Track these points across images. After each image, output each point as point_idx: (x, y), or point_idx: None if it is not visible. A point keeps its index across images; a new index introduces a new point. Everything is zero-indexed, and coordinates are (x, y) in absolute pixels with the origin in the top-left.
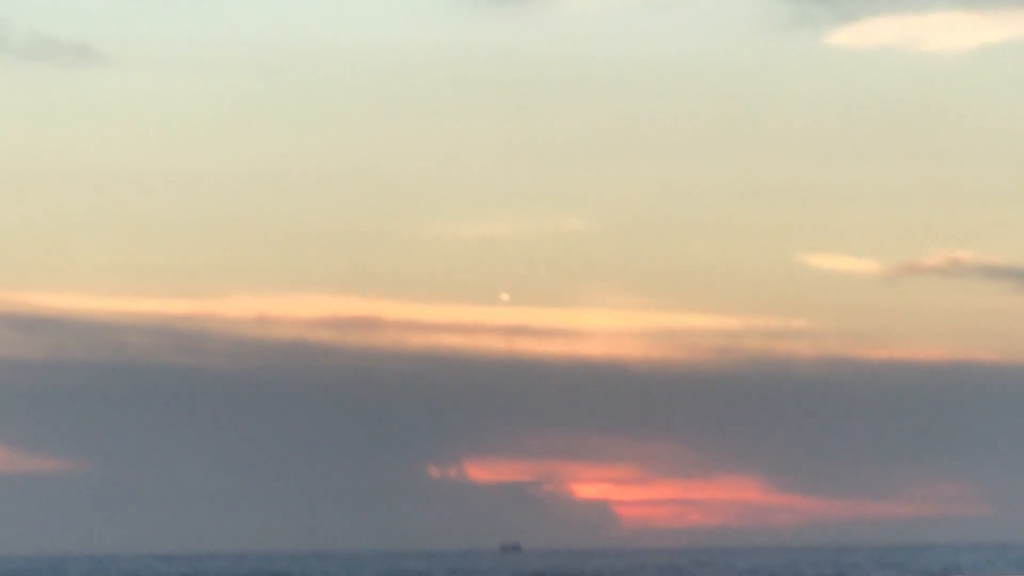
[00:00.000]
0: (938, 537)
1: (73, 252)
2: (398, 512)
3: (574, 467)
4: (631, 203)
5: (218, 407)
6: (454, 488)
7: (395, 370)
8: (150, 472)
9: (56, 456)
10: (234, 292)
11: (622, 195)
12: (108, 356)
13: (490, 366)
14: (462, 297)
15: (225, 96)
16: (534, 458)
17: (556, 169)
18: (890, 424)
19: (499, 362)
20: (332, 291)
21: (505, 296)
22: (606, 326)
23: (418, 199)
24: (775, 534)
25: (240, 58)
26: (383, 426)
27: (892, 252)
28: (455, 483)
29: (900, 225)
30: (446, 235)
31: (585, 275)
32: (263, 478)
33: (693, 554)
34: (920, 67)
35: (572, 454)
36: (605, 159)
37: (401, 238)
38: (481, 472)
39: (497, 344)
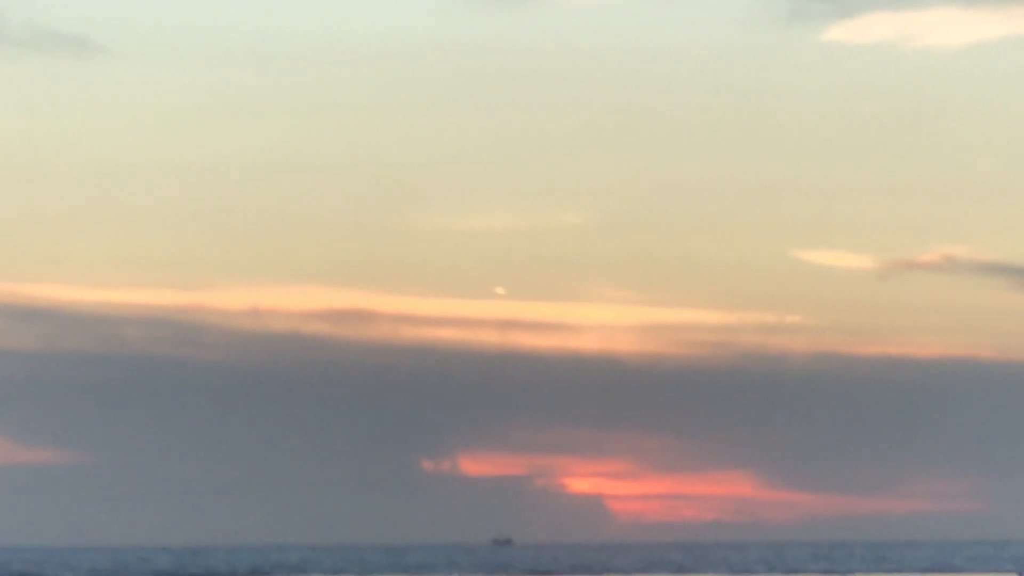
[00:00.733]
0: (932, 534)
1: (69, 244)
2: (390, 505)
3: (567, 461)
4: (627, 197)
5: (212, 399)
6: (447, 481)
7: (389, 363)
8: (144, 464)
9: (51, 447)
10: (229, 284)
11: (618, 189)
12: (103, 347)
13: (484, 360)
14: (457, 290)
15: (222, 88)
16: (527, 452)
17: (552, 163)
18: (884, 420)
19: (493, 356)
20: (327, 283)
21: (500, 290)
22: (601, 320)
23: (414, 192)
24: (768, 529)
25: (238, 50)
26: (376, 419)
27: (887, 248)
28: (448, 476)
29: (895, 221)
30: (442, 228)
31: (580, 269)
32: (256, 470)
33: (685, 549)
34: (917, 63)
35: (565, 448)
36: (602, 153)
37: (396, 230)
38: (474, 465)
39: (492, 338)
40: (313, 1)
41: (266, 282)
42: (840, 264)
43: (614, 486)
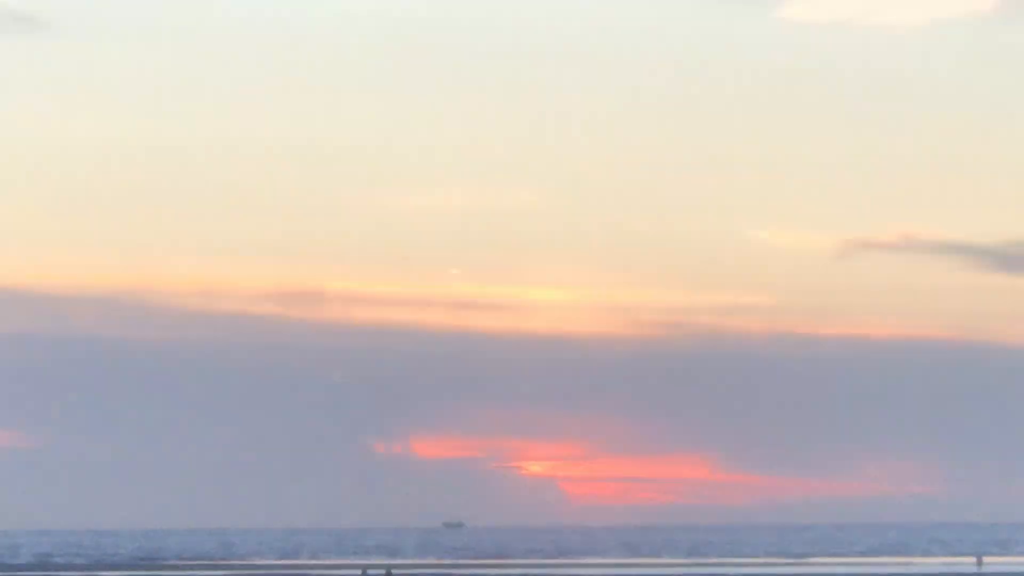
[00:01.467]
0: (888, 516)
1: (14, 223)
2: (341, 488)
3: (521, 444)
4: (582, 176)
5: (160, 380)
6: (399, 464)
7: (340, 344)
8: (91, 446)
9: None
10: (179, 264)
11: (573, 168)
12: (51, 328)
13: (438, 341)
14: (410, 271)
15: (170, 67)
16: (481, 434)
17: (505, 142)
18: (841, 401)
19: (447, 337)
20: (278, 264)
21: (456, 271)
22: (555, 301)
23: (367, 172)
24: (725, 512)
25: (184, 29)
26: (327, 400)
27: (845, 228)
28: (400, 459)
29: (853, 201)
30: (395, 208)
31: (534, 250)
32: (205, 453)
33: (641, 532)
34: (873, 41)
35: (520, 431)
36: (556, 132)
37: (349, 211)
38: (427, 448)
39: (445, 319)
40: None
41: (217, 262)
42: (798, 244)
43: (569, 469)
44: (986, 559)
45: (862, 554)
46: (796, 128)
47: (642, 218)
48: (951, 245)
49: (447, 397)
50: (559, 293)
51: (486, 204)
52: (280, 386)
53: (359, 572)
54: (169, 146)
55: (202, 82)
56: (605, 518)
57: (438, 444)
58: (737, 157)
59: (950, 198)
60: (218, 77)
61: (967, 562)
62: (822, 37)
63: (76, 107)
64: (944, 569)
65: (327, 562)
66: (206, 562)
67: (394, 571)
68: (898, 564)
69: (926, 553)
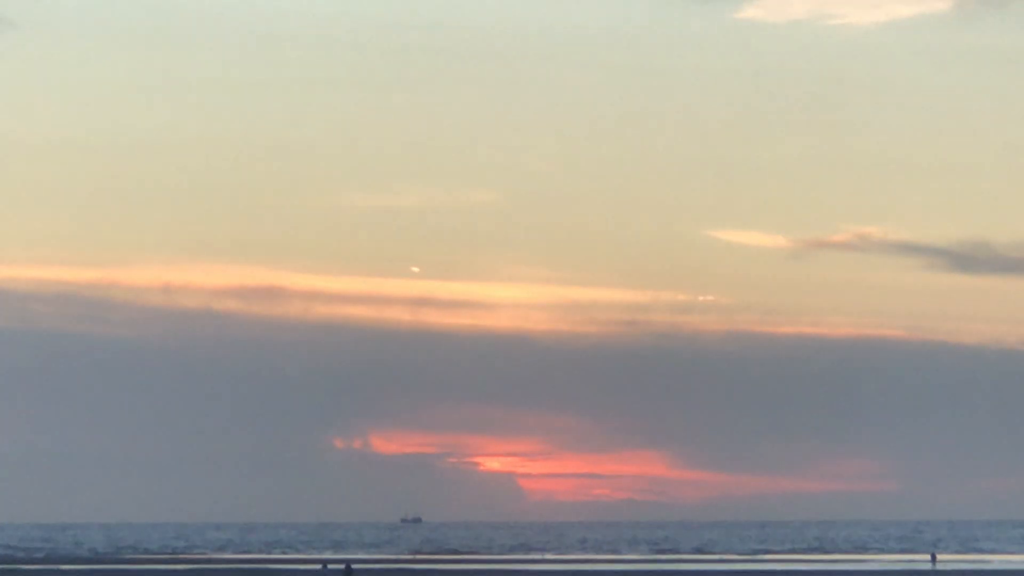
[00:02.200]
0: (843, 513)
1: None
2: (299, 483)
3: (479, 440)
4: (539, 175)
5: (121, 376)
6: (357, 459)
7: (300, 340)
8: (52, 440)
9: None
10: (139, 261)
11: (530, 167)
12: (11, 323)
13: (396, 337)
14: (368, 268)
15: (132, 64)
16: (439, 431)
17: (463, 141)
18: (797, 400)
19: (405, 333)
20: (238, 260)
21: (415, 268)
22: (513, 299)
23: (324, 169)
24: (681, 509)
25: (147, 26)
26: (287, 396)
27: (800, 227)
28: (359, 454)
29: (808, 200)
30: (353, 206)
31: (492, 247)
32: (165, 448)
33: (598, 528)
34: (830, 42)
35: (478, 427)
36: (512, 131)
37: (308, 208)
38: (386, 444)
39: (403, 315)
40: None
41: (177, 259)
42: (753, 243)
43: (526, 465)
44: (940, 557)
45: (817, 551)
46: (752, 128)
47: (600, 217)
48: (906, 245)
49: (406, 393)
50: (517, 291)
51: (445, 202)
52: (240, 381)
53: (319, 567)
54: (131, 143)
55: (165, 81)
56: (562, 514)
57: (397, 440)
58: (694, 157)
59: (905, 199)
60: (181, 76)
61: (922, 559)
62: (779, 38)
63: (38, 104)
64: (899, 567)
65: (287, 556)
66: (166, 556)
67: (354, 566)
68: (853, 561)
69: (881, 550)
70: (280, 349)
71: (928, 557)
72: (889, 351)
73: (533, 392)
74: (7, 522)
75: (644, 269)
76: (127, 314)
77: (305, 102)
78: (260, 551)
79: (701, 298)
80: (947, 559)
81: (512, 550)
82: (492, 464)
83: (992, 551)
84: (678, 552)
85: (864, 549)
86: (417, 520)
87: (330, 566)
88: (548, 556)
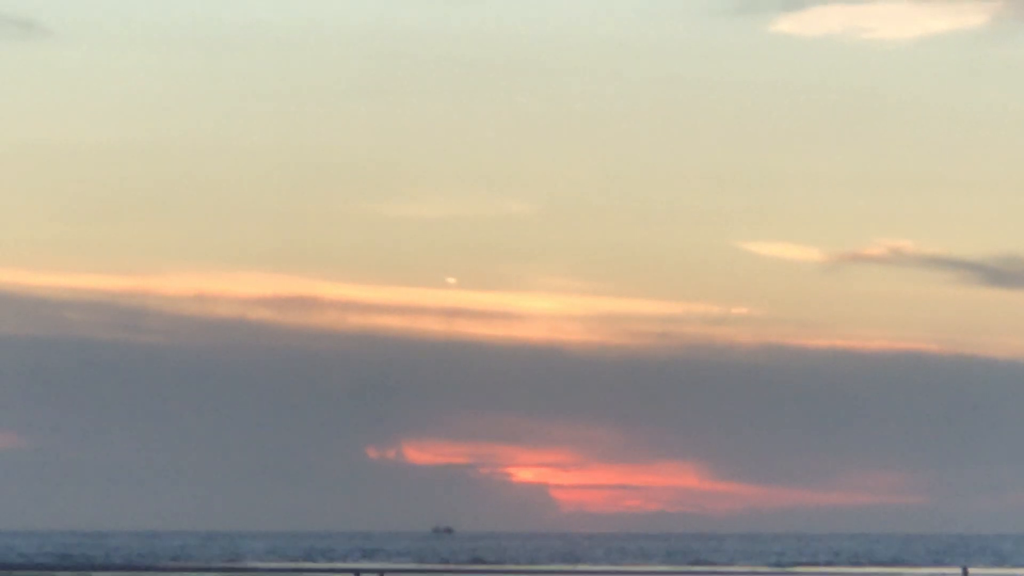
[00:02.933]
0: (876, 526)
1: (12, 227)
2: (332, 493)
3: (512, 450)
4: (574, 186)
5: (155, 384)
6: (390, 469)
7: (334, 350)
8: (86, 449)
9: None
10: (174, 269)
11: (565, 178)
12: (47, 331)
13: (430, 348)
14: (402, 278)
15: (168, 72)
16: (472, 441)
17: (499, 151)
18: (829, 413)
19: (439, 344)
20: (273, 269)
21: (452, 279)
22: (546, 310)
23: (360, 179)
24: (712, 521)
25: (184, 34)
26: (320, 406)
27: (834, 240)
28: (392, 464)
29: (842, 213)
30: (387, 215)
31: (526, 258)
32: (200, 457)
33: (629, 539)
34: (864, 56)
35: (510, 437)
36: (548, 141)
37: (343, 217)
38: (418, 454)
39: (437, 326)
40: None
41: (211, 267)
42: (786, 256)
43: (558, 476)
44: (972, 570)
45: (849, 564)
46: (787, 141)
47: (634, 229)
48: (940, 259)
49: (439, 404)
50: (551, 302)
51: (478, 213)
52: (274, 391)
53: (352, 574)
54: (167, 151)
55: (199, 90)
56: (594, 525)
57: (430, 450)
58: (728, 170)
59: (939, 212)
60: (216, 85)
61: (953, 572)
62: (814, 52)
63: (74, 112)
64: None
65: (319, 565)
66: (200, 564)
67: (387, 574)
68: (886, 574)
69: (913, 563)
70: (314, 359)
71: (960, 571)
72: (921, 365)
73: (566, 403)
74: (41, 529)
75: (677, 281)
76: (161, 323)
77: (341, 111)
78: (293, 559)
79: (734, 310)
80: (979, 572)
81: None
82: (524, 475)
83: None
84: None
85: (896, 562)
86: (449, 530)
87: (363, 574)
88: (580, 568)
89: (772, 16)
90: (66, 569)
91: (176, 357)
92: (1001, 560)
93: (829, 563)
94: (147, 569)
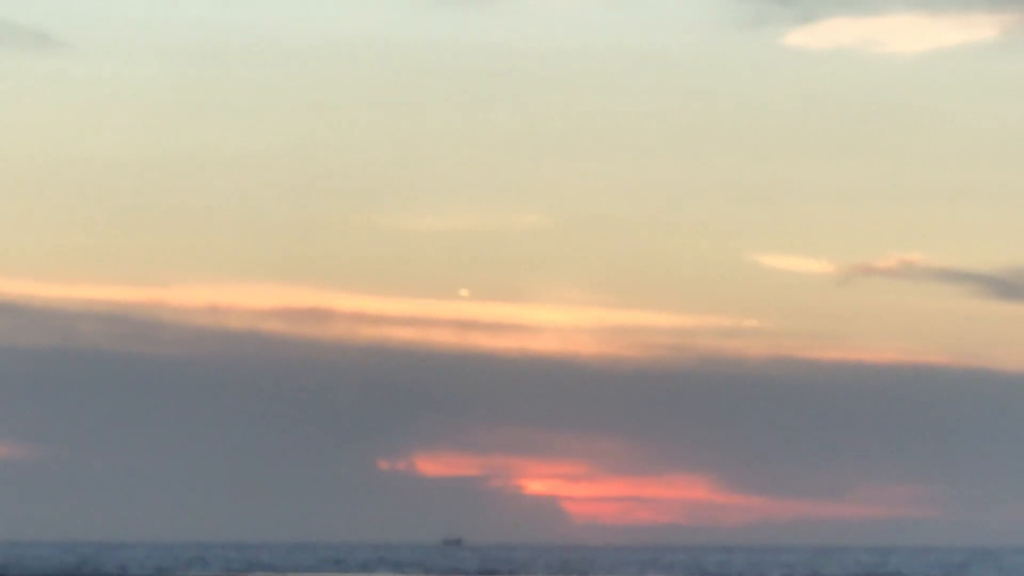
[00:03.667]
0: (888, 539)
1: (26, 238)
2: (342, 504)
3: (524, 462)
4: (587, 199)
5: (168, 396)
6: (401, 481)
7: (346, 362)
8: (99, 460)
9: (4, 442)
10: (186, 281)
11: (578, 190)
12: (59, 343)
13: (442, 360)
14: (415, 290)
15: (181, 84)
16: (484, 452)
17: (511, 163)
18: (841, 425)
19: (451, 356)
20: (285, 281)
21: (465, 291)
22: (559, 322)
23: (373, 190)
24: (725, 533)
25: (198, 47)
26: (332, 417)
27: (846, 253)
28: (403, 476)
29: (854, 226)
30: (400, 227)
31: (539, 270)
32: (212, 467)
33: (641, 552)
34: (877, 68)
35: (521, 449)
36: (561, 154)
37: (355, 229)
38: (430, 466)
39: (449, 338)
40: (272, 0)
41: (224, 279)
42: (798, 268)
43: (570, 487)
44: None
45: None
46: (799, 154)
47: (645, 241)
48: (951, 272)
49: (450, 415)
50: (562, 314)
51: (490, 225)
52: (286, 402)
53: None
54: (180, 163)
55: (213, 102)
56: (605, 537)
57: (441, 461)
58: (740, 182)
59: (950, 225)
60: (229, 97)
61: None
62: (826, 65)
63: (88, 124)
64: None
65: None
66: (212, 574)
67: None
68: None
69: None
70: (326, 370)
71: None
72: (933, 377)
73: (578, 415)
74: (57, 540)
75: (690, 293)
76: (174, 334)
77: (355, 123)
78: (304, 570)
79: (746, 323)
80: None
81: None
82: (535, 486)
83: None
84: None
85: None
86: (458, 542)
87: None
88: None
89: (785, 29)
90: None
91: (189, 369)
92: (1012, 573)
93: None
94: None
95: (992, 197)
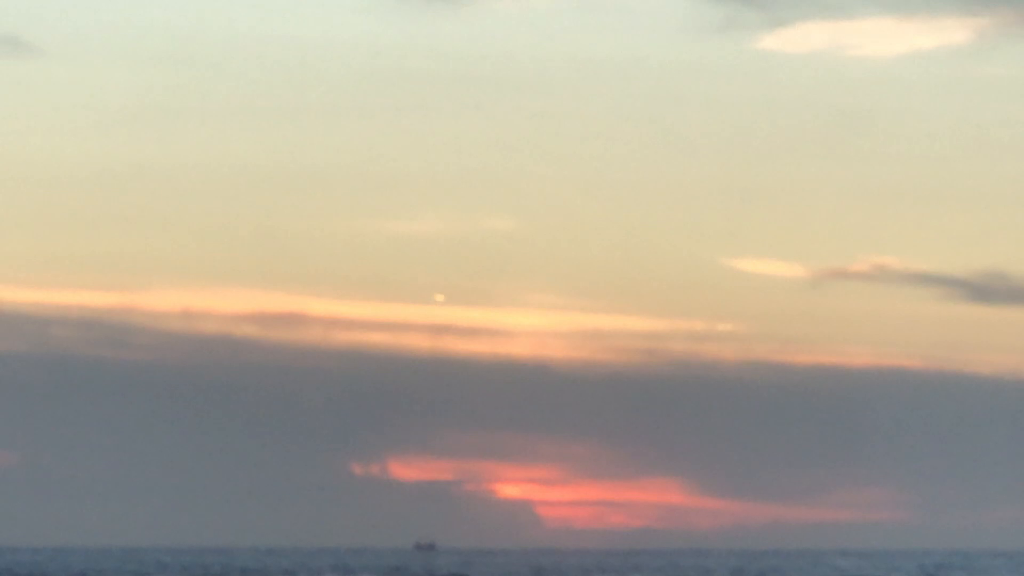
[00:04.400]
0: (860, 542)
1: None
2: (316, 508)
3: (497, 467)
4: (560, 204)
5: (141, 400)
6: (374, 485)
7: (320, 366)
8: (72, 464)
9: None
10: (159, 285)
11: (551, 195)
12: (32, 348)
13: (415, 364)
14: (387, 295)
15: (154, 89)
16: (457, 457)
17: (486, 168)
18: (814, 429)
19: (424, 360)
20: (258, 286)
21: (440, 297)
22: (531, 326)
23: (347, 196)
24: (697, 537)
25: (169, 51)
26: (306, 422)
27: (818, 257)
28: (376, 480)
29: (827, 230)
30: (373, 232)
31: (511, 275)
32: (184, 472)
33: (614, 556)
34: (849, 72)
35: (495, 454)
36: (535, 159)
37: (328, 234)
38: (404, 470)
39: (422, 342)
40: (245, 4)
41: (197, 284)
42: (771, 272)
43: (543, 492)
44: None
45: None
46: (772, 158)
47: (618, 245)
48: (924, 275)
49: (424, 420)
50: (536, 318)
51: (462, 229)
52: (259, 407)
53: None
54: (152, 168)
55: (185, 107)
56: (579, 541)
57: (415, 466)
58: (713, 186)
59: (923, 229)
60: (202, 102)
61: None
62: (799, 69)
63: (60, 128)
64: None
65: None
66: None
67: None
68: None
69: None
70: (299, 375)
71: None
72: (906, 381)
73: (551, 419)
74: (25, 546)
75: (662, 297)
76: (147, 339)
77: (326, 128)
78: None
79: (719, 327)
80: None
81: None
82: (509, 491)
83: None
84: None
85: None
86: (431, 546)
87: None
88: None
89: (757, 34)
90: None
91: (161, 373)
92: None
93: None
94: None
95: (965, 201)
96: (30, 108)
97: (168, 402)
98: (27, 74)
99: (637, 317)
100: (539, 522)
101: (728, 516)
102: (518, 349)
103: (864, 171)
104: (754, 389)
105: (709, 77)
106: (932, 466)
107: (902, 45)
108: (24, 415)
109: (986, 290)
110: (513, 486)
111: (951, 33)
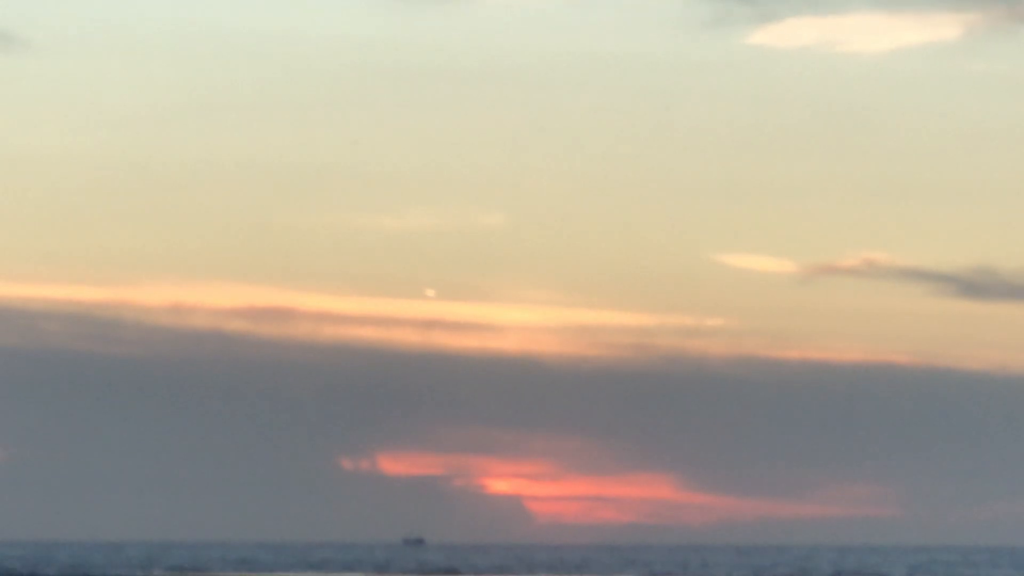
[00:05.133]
0: (850, 538)
1: None
2: (305, 503)
3: (487, 462)
4: (550, 198)
5: (131, 395)
6: (364, 480)
7: (309, 361)
8: (62, 459)
9: None
10: (149, 280)
11: (540, 190)
12: (21, 342)
13: (405, 359)
14: (377, 290)
15: (145, 84)
16: (447, 452)
17: (476, 163)
18: (803, 424)
19: (414, 355)
20: (248, 281)
21: (431, 292)
22: (521, 321)
23: (337, 190)
24: (687, 532)
25: (160, 47)
26: (295, 416)
27: (808, 252)
28: (366, 475)
29: (816, 225)
30: (363, 227)
31: (501, 270)
32: (175, 467)
33: (604, 551)
34: (839, 68)
35: (485, 449)
36: (523, 154)
37: (318, 229)
38: (393, 465)
39: (412, 337)
40: (234, 0)
41: (187, 279)
42: (761, 268)
43: (533, 487)
44: None
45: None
46: (760, 154)
47: (608, 241)
48: (914, 271)
49: (414, 415)
50: (525, 313)
51: (451, 224)
52: (248, 402)
53: None
54: (142, 162)
55: (174, 101)
56: (568, 536)
57: (405, 461)
58: (703, 181)
59: (913, 224)
60: (192, 96)
61: None
62: (789, 65)
63: (49, 123)
64: None
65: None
66: (173, 574)
67: None
68: None
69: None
70: (289, 370)
71: None
72: (896, 376)
73: (541, 414)
74: (16, 540)
75: (652, 293)
76: (137, 334)
77: (317, 124)
78: (264, 569)
79: (708, 322)
80: None
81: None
82: (498, 486)
83: None
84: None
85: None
86: (420, 541)
87: None
88: None
89: (747, 29)
90: None
91: (151, 368)
92: (976, 572)
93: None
94: None
95: (955, 196)
96: (20, 102)
97: (157, 397)
98: (17, 68)
99: (627, 312)
100: (529, 517)
101: (718, 511)
102: (508, 344)
103: (854, 167)
104: (744, 384)
105: (699, 73)
106: (922, 461)
107: (892, 41)
108: (13, 410)
109: (976, 286)
110: (502, 481)
111: (941, 29)
